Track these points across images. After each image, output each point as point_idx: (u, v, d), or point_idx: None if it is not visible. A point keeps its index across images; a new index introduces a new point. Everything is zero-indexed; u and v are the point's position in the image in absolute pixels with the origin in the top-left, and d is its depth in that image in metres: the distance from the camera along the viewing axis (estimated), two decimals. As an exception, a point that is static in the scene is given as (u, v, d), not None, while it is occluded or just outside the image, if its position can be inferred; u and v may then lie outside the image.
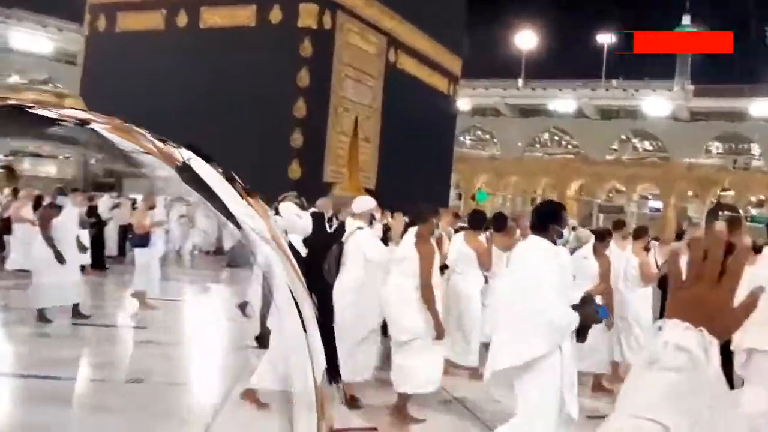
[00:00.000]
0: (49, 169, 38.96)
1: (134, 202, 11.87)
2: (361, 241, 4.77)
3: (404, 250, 4.51)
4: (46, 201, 8.22)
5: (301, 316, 1.16)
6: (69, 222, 6.93)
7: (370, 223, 5.23)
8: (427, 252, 4.35)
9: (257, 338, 5.84)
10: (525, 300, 3.24)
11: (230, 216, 1.13)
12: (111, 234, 11.46)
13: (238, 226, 1.14)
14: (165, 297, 7.92)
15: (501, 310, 3.61)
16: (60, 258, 6.52)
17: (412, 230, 4.59)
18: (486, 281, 5.71)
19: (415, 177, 20.54)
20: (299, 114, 18.45)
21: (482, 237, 5.70)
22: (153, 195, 8.59)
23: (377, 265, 4.73)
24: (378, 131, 21.97)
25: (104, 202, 11.98)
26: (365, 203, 5.15)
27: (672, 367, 0.66)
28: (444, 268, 5.22)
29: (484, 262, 5.53)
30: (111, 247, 11.41)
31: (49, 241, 6.59)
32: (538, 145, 48.43)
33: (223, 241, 13.16)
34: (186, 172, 1.09)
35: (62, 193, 7.55)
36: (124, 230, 11.21)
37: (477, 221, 5.99)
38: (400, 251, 4.61)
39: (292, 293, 1.13)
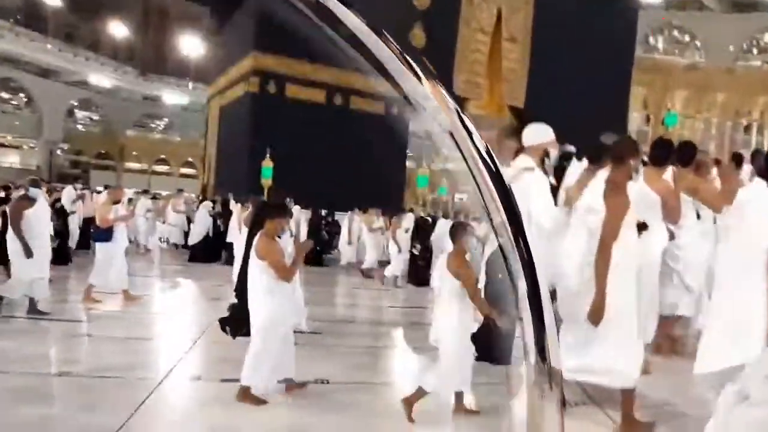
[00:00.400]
0: (12, 159, 39.62)
1: (99, 194, 13.22)
2: (527, 190, 3.98)
3: (589, 199, 3.76)
4: (16, 192, 8.76)
5: (506, 264, 0.90)
6: (44, 215, 7.46)
7: (543, 163, 4.33)
8: (618, 205, 3.61)
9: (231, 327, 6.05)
10: (756, 275, 2.72)
11: (389, 77, 0.88)
12: (73, 226, 12.37)
13: (402, 93, 0.90)
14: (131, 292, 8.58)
15: (718, 290, 3.10)
16: (28, 252, 7.10)
17: (602, 174, 3.80)
18: (671, 237, 4.56)
19: (581, 92, 16.90)
20: (421, 4, 16.15)
21: (668, 176, 4.60)
22: (119, 189, 9.38)
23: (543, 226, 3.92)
24: (529, 28, 18.26)
25: (68, 194, 12.80)
26: (541, 133, 4.37)
27: (761, 401, 0.59)
28: (642, 227, 3.95)
29: (671, 210, 4.42)
30: (73, 239, 12.34)
31: (19, 234, 7.09)
32: (755, 51, 38.01)
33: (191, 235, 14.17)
34: (320, 11, 0.90)
35: (35, 185, 7.59)
36: (88, 223, 12.01)
37: (661, 154, 4.73)
38: (584, 201, 3.82)
39: (491, 223, 0.87)
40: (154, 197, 17.14)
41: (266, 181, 17.71)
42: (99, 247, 8.36)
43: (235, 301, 6.69)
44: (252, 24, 20.32)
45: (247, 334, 5.68)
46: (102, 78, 40.88)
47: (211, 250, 13.58)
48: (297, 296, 6.60)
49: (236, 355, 4.82)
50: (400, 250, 11.96)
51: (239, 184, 18.69)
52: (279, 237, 4.92)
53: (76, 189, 13.62)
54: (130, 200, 13.94)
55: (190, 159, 43.74)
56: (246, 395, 4.64)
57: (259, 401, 4.65)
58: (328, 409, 4.76)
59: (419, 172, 25.30)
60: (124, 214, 8.61)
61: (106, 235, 8.25)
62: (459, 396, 4.79)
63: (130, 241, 13.80)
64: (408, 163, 30.15)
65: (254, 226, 6.02)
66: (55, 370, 5.34)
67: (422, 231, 12.45)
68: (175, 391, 5.20)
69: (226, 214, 13.77)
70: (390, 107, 23.32)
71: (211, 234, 13.87)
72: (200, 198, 17.66)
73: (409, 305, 10.42)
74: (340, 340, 7.25)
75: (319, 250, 13.78)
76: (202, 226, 13.81)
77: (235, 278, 8.37)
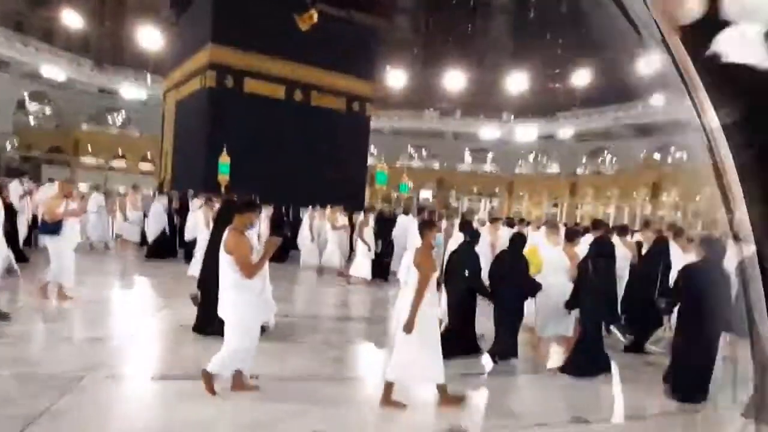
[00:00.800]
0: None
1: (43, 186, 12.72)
2: None
3: None
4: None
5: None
6: None
7: None
8: None
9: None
10: None
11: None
12: (21, 224, 11.76)
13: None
14: (78, 288, 8.41)
15: None
16: None
17: None
18: None
19: None
20: None
21: None
22: (70, 182, 9.01)
23: None
24: None
25: (14, 189, 12.09)
26: None
27: None
28: None
29: None
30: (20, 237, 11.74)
31: None
32: None
33: (147, 233, 13.77)
34: None
35: None
36: (35, 219, 11.71)
37: None
38: None
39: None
40: (107, 193, 16.47)
41: (223, 177, 17.29)
42: (49, 240, 8.04)
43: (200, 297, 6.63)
44: (209, 15, 19.78)
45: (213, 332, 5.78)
46: (55, 69, 39.46)
47: (168, 246, 13.23)
48: (266, 293, 6.43)
49: (190, 351, 4.68)
50: (369, 249, 11.84)
51: (196, 180, 18.20)
52: (248, 231, 4.93)
53: (22, 184, 13.05)
54: (83, 196, 13.45)
55: (149, 155, 42.60)
56: (208, 382, 4.78)
57: (214, 392, 4.78)
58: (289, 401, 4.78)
59: (378, 168, 24.99)
60: (73, 208, 8.25)
61: (55, 227, 7.95)
62: (443, 389, 4.93)
63: (87, 238, 13.56)
64: (370, 160, 29.94)
65: (220, 222, 5.94)
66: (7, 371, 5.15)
67: (384, 227, 12.32)
68: (132, 389, 5.10)
69: (183, 211, 13.39)
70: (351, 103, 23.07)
71: (167, 231, 13.43)
72: (155, 194, 17.12)
73: (373, 300, 10.31)
74: (304, 336, 7.20)
75: (283, 247, 13.49)
76: (157, 223, 13.34)
77: (193, 273, 8.25)
